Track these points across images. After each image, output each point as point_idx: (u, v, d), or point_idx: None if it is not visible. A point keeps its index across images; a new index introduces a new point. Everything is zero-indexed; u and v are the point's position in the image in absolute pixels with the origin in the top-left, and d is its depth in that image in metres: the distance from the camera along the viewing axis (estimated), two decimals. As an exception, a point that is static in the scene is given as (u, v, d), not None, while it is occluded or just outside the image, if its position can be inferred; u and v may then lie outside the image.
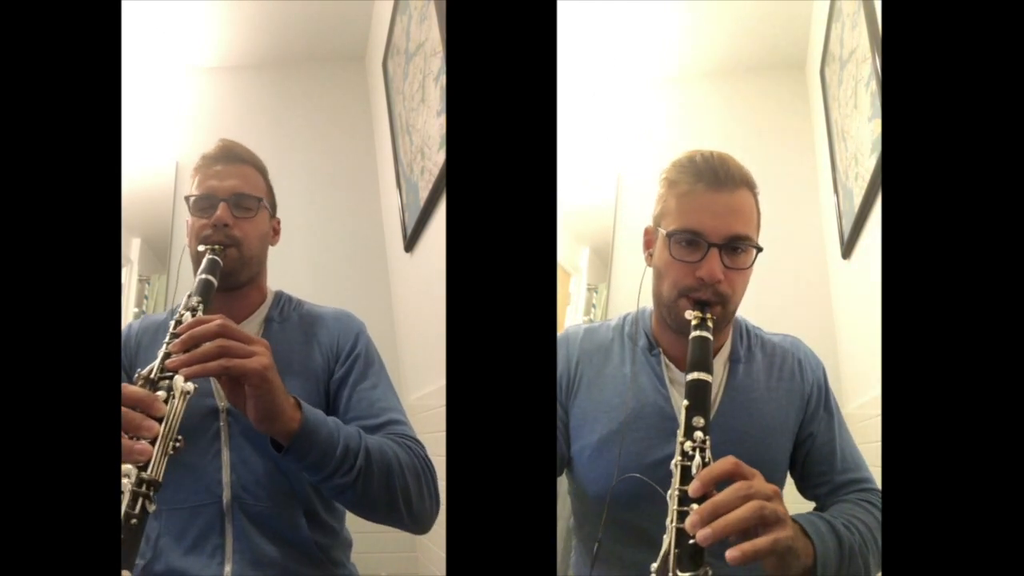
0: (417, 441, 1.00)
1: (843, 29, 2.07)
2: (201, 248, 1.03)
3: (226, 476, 0.99)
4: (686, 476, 0.72)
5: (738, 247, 0.88)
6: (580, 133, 2.60)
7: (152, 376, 0.79)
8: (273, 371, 0.81)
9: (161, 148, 2.48)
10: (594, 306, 2.51)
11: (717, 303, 0.87)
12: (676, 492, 0.71)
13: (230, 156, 1.11)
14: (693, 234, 0.87)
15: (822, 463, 0.98)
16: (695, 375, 0.80)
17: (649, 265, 0.97)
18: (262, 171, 1.14)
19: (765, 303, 1.11)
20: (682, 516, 0.68)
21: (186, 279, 1.11)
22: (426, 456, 0.99)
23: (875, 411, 1.76)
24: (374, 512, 0.94)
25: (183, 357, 0.79)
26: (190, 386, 0.77)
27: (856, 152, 1.94)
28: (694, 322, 0.85)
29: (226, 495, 0.99)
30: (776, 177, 2.37)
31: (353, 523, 1.10)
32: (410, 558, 2.00)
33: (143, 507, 0.68)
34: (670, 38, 2.53)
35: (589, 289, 2.53)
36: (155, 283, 2.40)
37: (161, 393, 0.76)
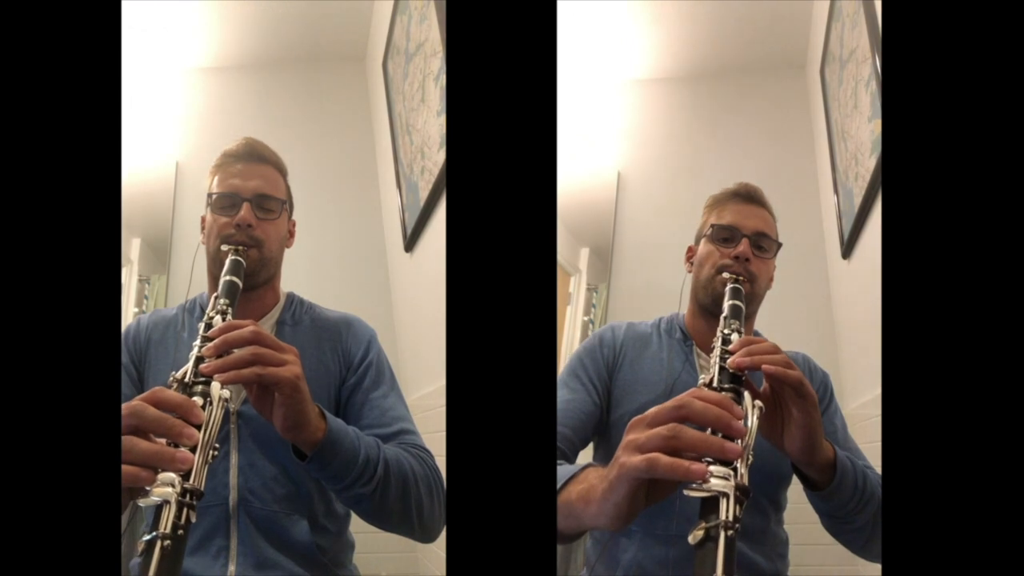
0: (428, 451, 1.01)
1: (843, 29, 2.07)
2: (224, 248, 1.02)
3: (233, 479, 0.99)
4: (727, 342, 0.84)
5: (762, 244, 1.10)
6: (580, 133, 2.60)
7: (186, 380, 0.76)
8: (304, 380, 0.80)
9: (161, 148, 2.48)
10: (594, 306, 2.51)
11: (747, 279, 1.06)
12: (719, 351, 0.82)
13: (252, 155, 1.10)
14: (730, 228, 1.10)
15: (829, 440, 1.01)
16: (731, 302, 0.98)
17: (690, 272, 1.16)
18: (283, 172, 1.13)
19: (766, 303, 1.12)
20: (723, 360, 0.79)
21: (198, 274, 1.10)
22: (436, 467, 0.99)
23: (875, 411, 1.76)
24: (388, 521, 0.94)
25: (217, 363, 0.77)
26: (227, 393, 0.75)
27: (856, 152, 1.94)
28: (730, 280, 1.04)
29: (232, 497, 0.99)
30: (776, 177, 2.37)
31: (354, 523, 1.10)
32: (410, 558, 2.00)
33: (187, 518, 0.64)
34: (670, 38, 2.53)
35: (589, 289, 2.52)
36: (155, 283, 2.40)
37: (198, 399, 0.73)
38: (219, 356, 0.78)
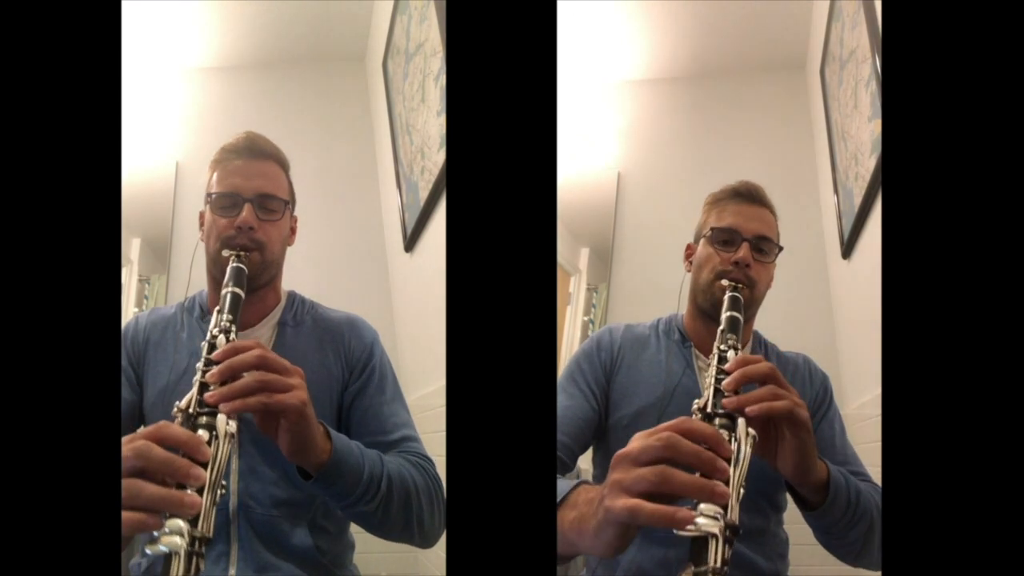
0: (428, 459, 1.00)
1: (843, 29, 2.07)
2: (225, 253, 0.98)
3: (234, 483, 0.99)
4: (723, 360, 0.83)
5: (763, 247, 1.07)
6: (580, 133, 2.60)
7: (191, 410, 0.73)
8: (310, 405, 0.79)
9: (161, 148, 2.48)
10: (594, 306, 2.51)
11: (746, 285, 1.03)
12: (715, 371, 0.81)
13: (253, 150, 1.06)
14: (730, 231, 1.07)
15: (823, 453, 1.00)
16: (729, 314, 0.95)
17: (688, 271, 1.14)
18: (285, 166, 1.09)
19: (766, 302, 1.12)
20: (719, 382, 0.78)
21: (197, 272, 1.07)
22: (437, 475, 0.98)
23: (875, 411, 1.76)
24: (389, 533, 0.94)
25: (222, 391, 0.74)
26: (233, 427, 0.72)
27: (856, 152, 1.94)
28: (728, 288, 1.02)
29: (232, 502, 0.99)
30: (776, 177, 2.37)
31: (353, 524, 1.10)
32: (410, 558, 1.99)
33: (197, 567, 0.62)
34: (670, 38, 2.53)
35: (589, 289, 2.52)
36: (155, 283, 2.40)
37: (203, 433, 0.70)
38: (223, 382, 0.75)
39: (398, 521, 0.91)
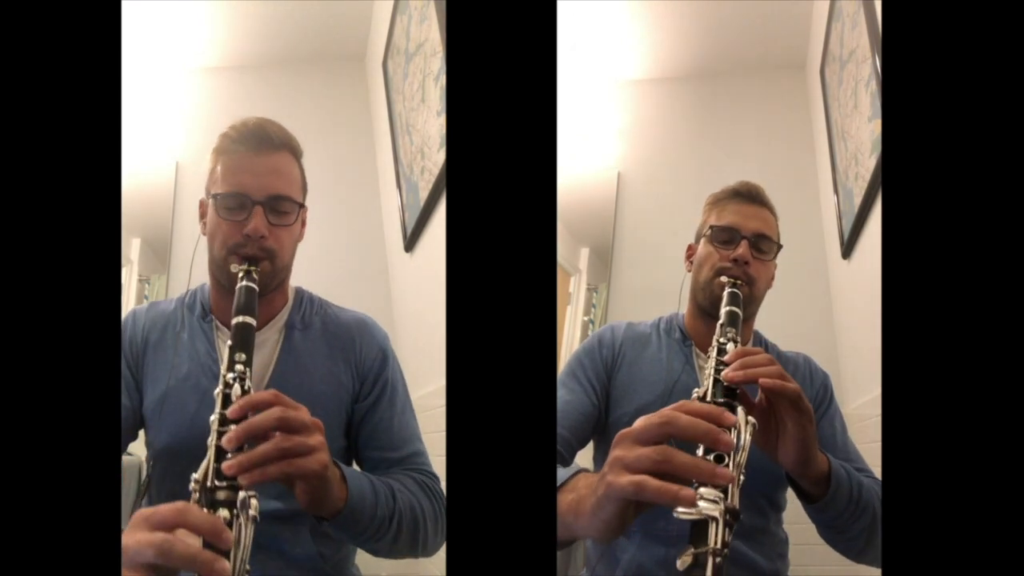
0: (434, 476, 0.99)
1: (843, 29, 2.07)
2: (234, 269, 0.91)
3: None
4: (722, 352, 0.83)
5: (762, 246, 1.08)
6: (580, 133, 2.60)
7: (209, 484, 0.68)
8: (331, 466, 0.75)
9: (161, 148, 2.48)
10: (594, 306, 2.51)
11: (745, 283, 1.04)
12: (714, 362, 0.81)
13: (263, 139, 0.97)
14: (730, 230, 1.08)
15: (825, 451, 1.00)
16: (728, 308, 0.96)
17: (689, 271, 1.15)
18: (297, 155, 1.00)
19: (766, 303, 1.12)
20: (717, 372, 0.78)
21: (198, 267, 1.02)
22: (441, 492, 0.97)
23: (875, 411, 1.76)
24: (394, 556, 0.94)
25: (240, 460, 0.68)
26: (255, 506, 0.67)
27: (856, 152, 1.94)
28: (728, 284, 1.02)
29: None
30: (776, 177, 2.37)
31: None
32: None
33: None
34: (670, 38, 2.53)
35: (589, 289, 2.53)
36: (155, 283, 2.41)
37: (223, 512, 0.66)
38: (240, 447, 0.70)
39: (404, 547, 0.91)
